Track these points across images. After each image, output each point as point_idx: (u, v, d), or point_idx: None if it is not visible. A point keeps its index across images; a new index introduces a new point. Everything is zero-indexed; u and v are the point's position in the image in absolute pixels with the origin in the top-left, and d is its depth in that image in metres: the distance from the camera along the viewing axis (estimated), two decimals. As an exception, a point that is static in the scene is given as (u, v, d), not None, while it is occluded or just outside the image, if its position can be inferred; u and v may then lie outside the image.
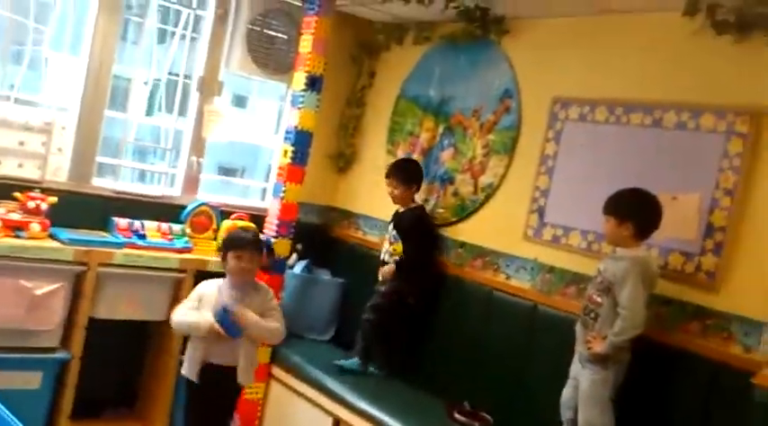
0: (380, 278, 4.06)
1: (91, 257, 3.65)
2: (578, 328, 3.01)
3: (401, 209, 4.06)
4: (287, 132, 4.11)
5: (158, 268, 3.86)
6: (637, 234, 2.89)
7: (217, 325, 3.18)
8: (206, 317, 3.23)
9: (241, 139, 5.02)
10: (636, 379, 2.91)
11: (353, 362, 3.95)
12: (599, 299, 2.92)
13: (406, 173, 4.05)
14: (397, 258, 3.94)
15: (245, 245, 3.34)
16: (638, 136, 3.21)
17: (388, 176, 4.07)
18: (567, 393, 3.05)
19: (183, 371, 3.36)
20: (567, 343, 3.09)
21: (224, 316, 3.17)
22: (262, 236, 3.76)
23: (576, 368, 3.03)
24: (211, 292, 3.33)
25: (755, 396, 2.47)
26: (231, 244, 3.38)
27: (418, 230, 3.98)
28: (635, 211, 2.89)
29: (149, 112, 4.86)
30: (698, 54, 3.06)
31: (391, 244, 3.99)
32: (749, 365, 2.65)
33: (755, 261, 2.79)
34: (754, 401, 2.47)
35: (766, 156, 2.82)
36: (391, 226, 4.03)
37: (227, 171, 5.03)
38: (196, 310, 3.29)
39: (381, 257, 4.07)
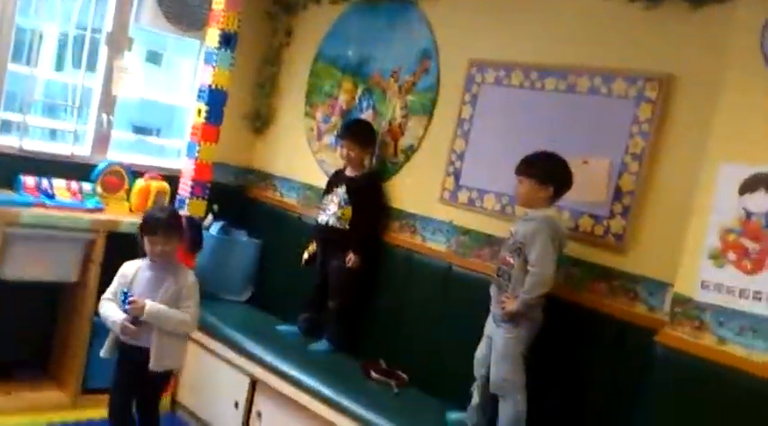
0: (309, 254, 4.00)
1: (-4, 216, 3.52)
2: (492, 289, 3.10)
3: (352, 173, 3.90)
4: (200, 91, 4.01)
5: (69, 228, 3.75)
6: (554, 196, 2.98)
7: (126, 323, 3.10)
8: (120, 314, 3.13)
9: (155, 98, 4.87)
10: (547, 337, 3.02)
11: (323, 344, 3.87)
12: (511, 260, 3.01)
13: (364, 136, 3.89)
14: (346, 224, 3.81)
15: (158, 228, 3.17)
16: (553, 100, 3.28)
17: (342, 137, 3.93)
18: (481, 351, 3.15)
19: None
20: (481, 304, 3.17)
21: (123, 300, 3.11)
22: (184, 214, 3.62)
23: (490, 327, 3.12)
24: (131, 273, 3.22)
25: (658, 353, 2.60)
26: (144, 228, 3.20)
27: (376, 201, 3.86)
28: (556, 174, 2.97)
29: (59, 67, 4.65)
30: (611, 20, 3.14)
31: (340, 207, 3.83)
32: (653, 323, 2.78)
33: (661, 224, 2.91)
34: (657, 357, 2.60)
35: (674, 123, 2.93)
36: (343, 190, 3.85)
37: (141, 130, 4.87)
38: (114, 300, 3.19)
39: (320, 219, 3.92)
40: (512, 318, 2.98)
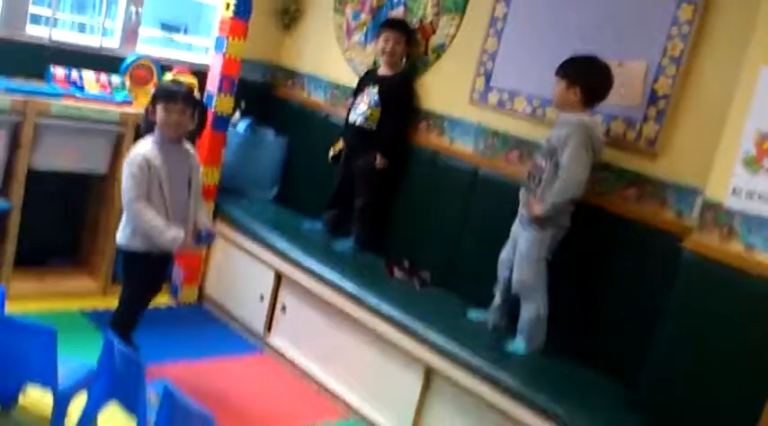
0: (334, 151, 3.97)
1: (28, 107, 3.53)
2: (522, 192, 3.08)
3: (386, 72, 3.82)
4: (229, -17, 3.95)
5: (98, 120, 3.76)
6: (584, 99, 2.92)
7: (187, 244, 3.09)
8: (174, 229, 3.01)
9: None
10: (573, 241, 3.02)
11: (348, 242, 3.89)
12: (542, 163, 2.98)
13: (407, 29, 3.79)
14: (373, 125, 3.77)
15: (176, 97, 3.03)
16: (590, 1, 3.18)
17: (387, 29, 3.79)
18: (506, 252, 3.17)
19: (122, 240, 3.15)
20: (506, 207, 3.18)
21: (207, 239, 3.27)
22: (197, 95, 3.49)
23: (516, 230, 3.13)
24: (152, 155, 3.03)
25: (684, 259, 2.60)
26: (162, 95, 3.06)
27: (408, 104, 3.79)
28: (584, 76, 2.91)
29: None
30: None
31: (370, 107, 3.77)
32: (681, 230, 2.77)
33: (696, 129, 2.86)
34: (683, 263, 2.60)
35: (715, 24, 2.83)
36: (375, 90, 3.77)
37: (169, 28, 4.81)
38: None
39: (350, 118, 3.87)
40: (538, 221, 2.98)
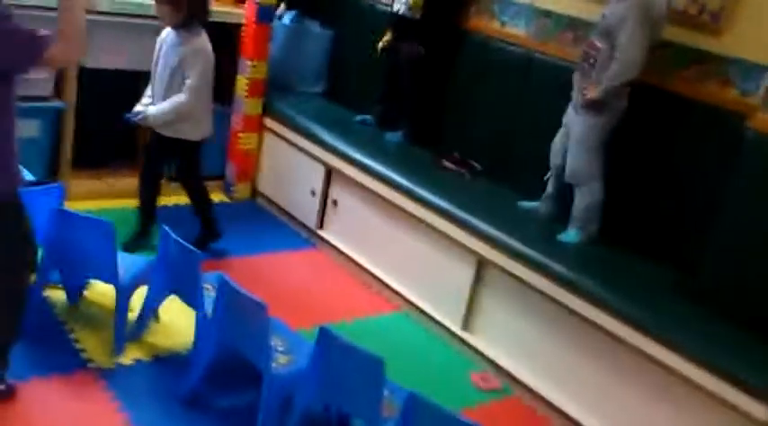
0: (384, 44, 3.84)
1: (78, 1, 3.49)
2: (576, 76, 2.96)
3: None
4: None
5: (145, 15, 3.71)
6: None
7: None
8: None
9: None
10: (630, 125, 2.91)
11: (397, 135, 3.85)
12: (598, 44, 2.84)
13: None
14: (417, 14, 3.63)
15: None
16: None
17: None
18: (558, 140, 3.08)
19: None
20: (560, 92, 3.06)
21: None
22: None
23: (569, 115, 3.03)
24: (159, 45, 3.31)
25: (748, 138, 2.48)
26: None
27: None
28: None
29: None
30: None
31: None
32: (745, 109, 2.64)
33: (763, 2, 2.67)
34: (747, 142, 2.49)
35: None
36: None
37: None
38: None
39: (393, 7, 3.75)
40: (593, 106, 2.86)
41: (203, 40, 3.25)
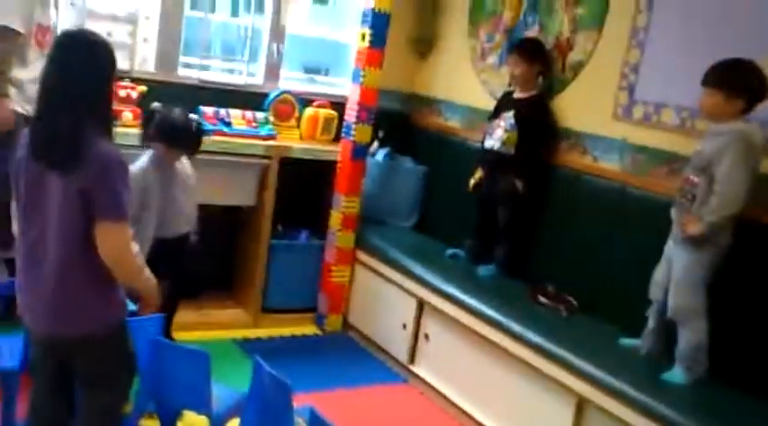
0: (475, 180, 3.90)
1: (180, 144, 3.73)
2: (674, 211, 2.89)
3: (521, 95, 3.76)
4: (364, 15, 4.03)
5: (245, 154, 3.92)
6: (746, 109, 2.70)
7: None
8: None
9: (323, 36, 5.00)
10: (734, 261, 2.80)
11: (490, 268, 3.83)
12: (695, 179, 2.79)
13: (531, 50, 3.73)
14: (511, 149, 3.68)
15: (183, 144, 3.24)
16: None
17: (514, 52, 3.77)
18: (659, 273, 2.98)
19: None
20: (657, 226, 3.01)
21: None
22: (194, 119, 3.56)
23: (670, 250, 2.94)
24: (141, 177, 3.11)
25: None
26: (166, 136, 3.18)
27: (545, 126, 3.70)
28: (749, 85, 2.69)
29: (234, 13, 4.86)
30: None
31: (506, 131, 3.68)
32: None
33: None
34: None
35: None
36: (510, 114, 3.69)
37: (311, 70, 5.05)
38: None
39: (486, 144, 3.80)
40: (694, 241, 2.78)
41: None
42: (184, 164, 3.38)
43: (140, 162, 3.20)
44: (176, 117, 3.25)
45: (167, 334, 3.39)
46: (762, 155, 2.72)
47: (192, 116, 3.54)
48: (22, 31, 3.07)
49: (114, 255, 2.11)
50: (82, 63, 2.06)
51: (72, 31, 2.18)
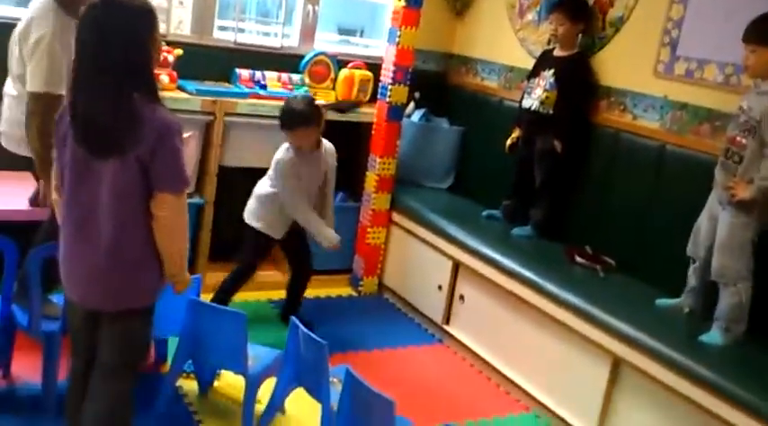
0: (512, 140, 3.87)
1: (218, 107, 3.74)
2: (718, 172, 2.82)
3: (561, 53, 3.69)
4: (399, -26, 3.97)
5: (275, 116, 3.90)
6: None
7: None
8: (331, 232, 3.45)
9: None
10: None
11: (526, 229, 3.79)
12: (743, 141, 2.71)
13: (575, 8, 3.64)
14: (550, 109, 3.62)
15: (293, 126, 3.34)
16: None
17: (552, 10, 3.70)
18: (702, 225, 2.91)
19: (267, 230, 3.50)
20: (697, 185, 2.95)
21: None
22: (322, 103, 3.69)
23: (713, 207, 2.87)
24: (295, 160, 3.39)
25: None
26: (282, 124, 3.38)
27: (586, 85, 3.64)
28: None
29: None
30: None
31: (546, 91, 3.63)
32: None
33: None
34: None
35: None
36: (550, 73, 3.63)
37: (346, 31, 4.98)
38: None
39: (524, 103, 3.75)
40: (743, 206, 2.71)
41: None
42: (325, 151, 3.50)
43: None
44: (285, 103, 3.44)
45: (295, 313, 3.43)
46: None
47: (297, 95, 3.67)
48: None
49: (170, 225, 2.04)
50: (118, 28, 1.92)
51: None
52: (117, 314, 2.11)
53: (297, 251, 3.66)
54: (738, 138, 2.73)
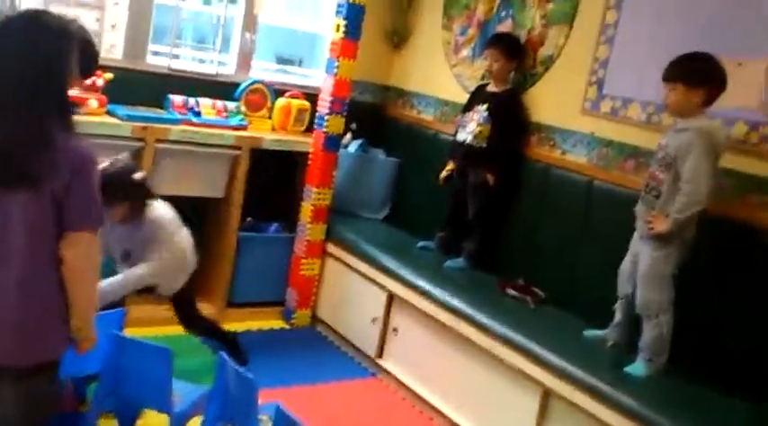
0: (447, 172, 3.90)
1: (148, 133, 3.66)
2: (639, 206, 2.90)
3: (495, 88, 3.76)
4: (339, 5, 4.00)
5: (214, 144, 3.87)
6: (706, 101, 2.73)
7: None
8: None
9: (297, 27, 4.96)
10: (695, 254, 2.82)
11: (458, 262, 3.81)
12: (661, 175, 2.80)
13: (510, 46, 3.72)
14: (483, 143, 3.68)
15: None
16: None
17: (488, 47, 3.77)
18: (625, 268, 3.00)
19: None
20: (623, 219, 3.02)
21: None
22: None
23: (636, 244, 2.95)
24: None
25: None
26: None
27: (518, 120, 3.71)
28: (707, 77, 2.72)
29: (206, 1, 4.78)
30: None
31: (479, 124, 3.68)
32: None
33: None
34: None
35: None
36: (484, 107, 3.70)
37: (284, 61, 4.99)
38: None
39: (458, 137, 3.80)
40: (661, 238, 2.79)
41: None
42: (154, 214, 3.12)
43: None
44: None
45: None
46: (722, 152, 2.74)
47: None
48: None
49: (83, 267, 1.88)
50: (22, 50, 1.78)
51: (13, 14, 1.89)
52: (26, 369, 1.91)
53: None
54: (657, 173, 2.82)
